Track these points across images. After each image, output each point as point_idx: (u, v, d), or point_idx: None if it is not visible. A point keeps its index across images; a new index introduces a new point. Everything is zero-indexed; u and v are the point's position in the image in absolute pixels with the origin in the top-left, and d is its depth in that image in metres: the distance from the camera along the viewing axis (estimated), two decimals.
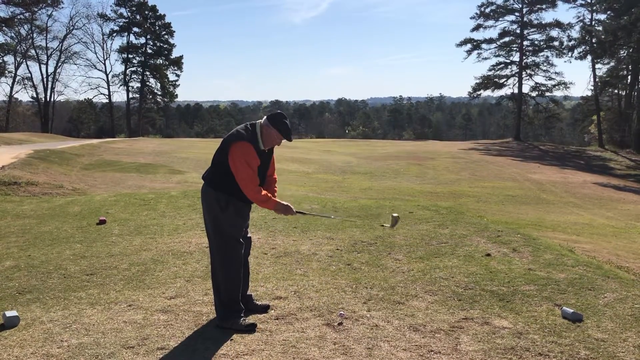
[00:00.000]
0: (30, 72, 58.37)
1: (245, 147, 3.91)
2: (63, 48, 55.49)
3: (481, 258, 5.87)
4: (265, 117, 4.07)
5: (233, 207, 4.05)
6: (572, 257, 5.96)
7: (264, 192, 4.01)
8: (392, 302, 4.53)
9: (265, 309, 4.33)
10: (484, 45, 51.53)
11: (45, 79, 55.13)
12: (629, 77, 46.87)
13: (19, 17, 51.20)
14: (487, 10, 50.50)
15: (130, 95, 61.32)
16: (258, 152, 3.97)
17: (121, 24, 59.45)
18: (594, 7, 47.06)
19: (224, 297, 4.05)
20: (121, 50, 59.75)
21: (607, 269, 5.62)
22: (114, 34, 59.49)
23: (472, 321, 4.10)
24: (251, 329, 3.94)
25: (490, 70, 52.31)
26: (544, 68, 50.22)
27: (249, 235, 4.34)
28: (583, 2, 48.02)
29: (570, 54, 48.56)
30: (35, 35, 53.47)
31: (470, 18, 51.44)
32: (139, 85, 61.44)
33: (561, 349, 3.62)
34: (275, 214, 8.59)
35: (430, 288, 4.88)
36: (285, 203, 4.12)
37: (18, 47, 52.56)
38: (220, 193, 4.03)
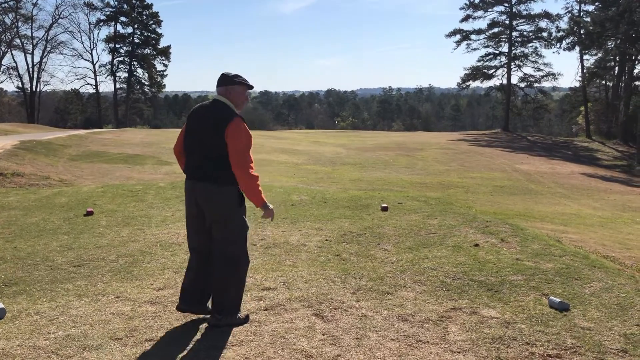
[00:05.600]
0: (15, 62, 57.79)
1: (243, 124, 3.66)
2: (49, 37, 54.71)
3: (469, 248, 5.90)
4: (217, 88, 3.80)
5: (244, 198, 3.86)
6: (559, 247, 6.01)
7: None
8: (381, 292, 4.54)
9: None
10: (473, 36, 51.60)
11: (30, 69, 54.38)
12: (617, 68, 47.15)
13: (3, 5, 50.46)
14: (477, 1, 50.49)
15: (118, 86, 60.71)
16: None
17: (108, 13, 58.71)
18: None
19: (236, 295, 3.86)
20: (108, 39, 59.04)
21: (594, 259, 5.68)
22: (101, 24, 58.79)
23: (461, 311, 4.13)
24: (247, 320, 3.90)
25: (479, 61, 52.39)
26: (533, 59, 50.41)
27: None
28: None
29: (558, 45, 48.87)
30: (20, 24, 52.63)
31: (460, 9, 51.45)
32: (126, 75, 60.82)
33: (548, 337, 3.65)
34: None
35: (418, 278, 4.90)
36: (272, 207, 3.82)
37: (3, 37, 51.70)
38: (231, 187, 3.71)
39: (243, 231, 3.84)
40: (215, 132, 3.64)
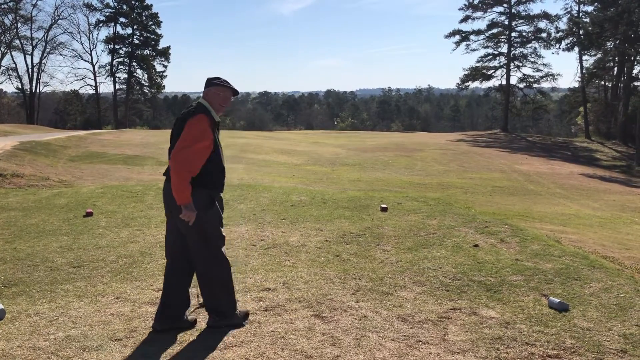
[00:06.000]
0: (15, 63, 57.75)
1: (202, 122, 3.59)
2: (48, 38, 54.79)
3: (469, 249, 5.90)
4: (203, 92, 3.81)
5: (217, 202, 3.76)
6: (558, 248, 6.01)
7: (189, 177, 3.54)
8: (381, 292, 4.54)
9: (192, 324, 3.90)
10: (472, 37, 51.76)
11: (30, 70, 54.43)
12: (616, 68, 47.24)
13: (2, 6, 50.49)
14: (476, 1, 50.62)
15: (117, 87, 60.76)
16: (212, 124, 3.67)
17: (107, 13, 58.79)
18: None
19: (224, 296, 3.79)
20: (107, 40, 59.08)
21: (593, 259, 5.68)
22: (100, 24, 58.85)
23: (460, 311, 4.13)
24: (246, 317, 3.90)
25: (478, 61, 52.55)
26: (532, 59, 50.57)
27: None
28: None
29: (557, 45, 48.99)
30: (19, 25, 52.72)
31: (459, 9, 51.69)
32: (125, 76, 60.84)
33: (547, 338, 3.65)
34: (264, 206, 8.59)
35: (418, 279, 4.90)
36: (195, 212, 3.59)
37: (2, 37, 51.71)
38: (199, 190, 3.61)
39: (212, 233, 3.72)
40: (181, 130, 3.61)
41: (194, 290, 4.12)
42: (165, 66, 62.49)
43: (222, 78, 3.82)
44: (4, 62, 53.37)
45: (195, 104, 3.80)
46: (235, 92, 3.83)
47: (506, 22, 50.64)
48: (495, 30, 51.34)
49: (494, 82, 53.61)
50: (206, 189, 3.67)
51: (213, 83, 3.78)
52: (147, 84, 62.63)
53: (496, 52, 52.09)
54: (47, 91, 61.91)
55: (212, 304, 3.82)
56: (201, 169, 3.60)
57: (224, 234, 3.85)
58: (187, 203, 3.54)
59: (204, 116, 3.63)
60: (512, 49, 50.78)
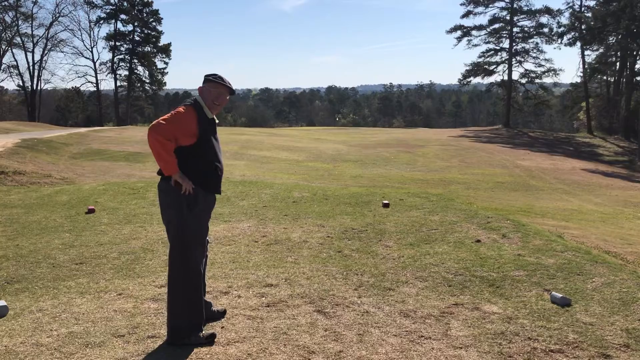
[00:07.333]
0: (16, 60, 57.85)
1: (186, 110, 3.50)
2: (49, 35, 54.71)
3: (471, 244, 5.89)
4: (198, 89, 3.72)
5: (202, 203, 3.57)
6: (561, 243, 6.00)
7: (170, 146, 3.41)
8: (383, 288, 4.54)
9: (222, 313, 3.95)
10: (474, 32, 51.55)
11: (31, 67, 54.35)
12: (618, 63, 47.07)
13: (3, 3, 50.44)
14: None
15: (118, 84, 60.76)
16: (202, 119, 3.55)
17: (108, 11, 58.71)
18: None
19: (184, 310, 3.54)
20: (108, 37, 59.01)
21: (595, 254, 5.67)
22: (101, 21, 58.76)
23: (462, 307, 4.13)
24: (211, 340, 3.55)
25: (480, 57, 52.36)
26: (534, 55, 50.36)
27: (209, 235, 3.82)
28: None
29: (559, 40, 48.78)
30: (20, 22, 52.66)
31: (460, 4, 51.38)
32: (127, 73, 60.84)
33: (550, 333, 3.65)
34: (266, 202, 8.59)
35: (420, 274, 4.90)
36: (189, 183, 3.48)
37: (3, 35, 51.68)
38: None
39: (189, 237, 3.55)
40: None
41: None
42: (166, 63, 62.57)
43: (218, 75, 3.69)
44: (5, 60, 53.47)
45: (192, 99, 3.69)
46: (231, 90, 3.71)
47: (508, 17, 50.44)
48: (496, 26, 51.15)
49: (495, 78, 53.52)
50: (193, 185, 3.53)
51: (207, 79, 3.68)
52: (148, 81, 62.65)
53: (498, 48, 51.93)
54: (48, 88, 62.09)
55: (170, 317, 3.57)
56: (188, 165, 3.49)
57: (206, 241, 3.69)
58: (175, 173, 3.43)
59: (190, 108, 3.52)
60: (513, 44, 50.59)
